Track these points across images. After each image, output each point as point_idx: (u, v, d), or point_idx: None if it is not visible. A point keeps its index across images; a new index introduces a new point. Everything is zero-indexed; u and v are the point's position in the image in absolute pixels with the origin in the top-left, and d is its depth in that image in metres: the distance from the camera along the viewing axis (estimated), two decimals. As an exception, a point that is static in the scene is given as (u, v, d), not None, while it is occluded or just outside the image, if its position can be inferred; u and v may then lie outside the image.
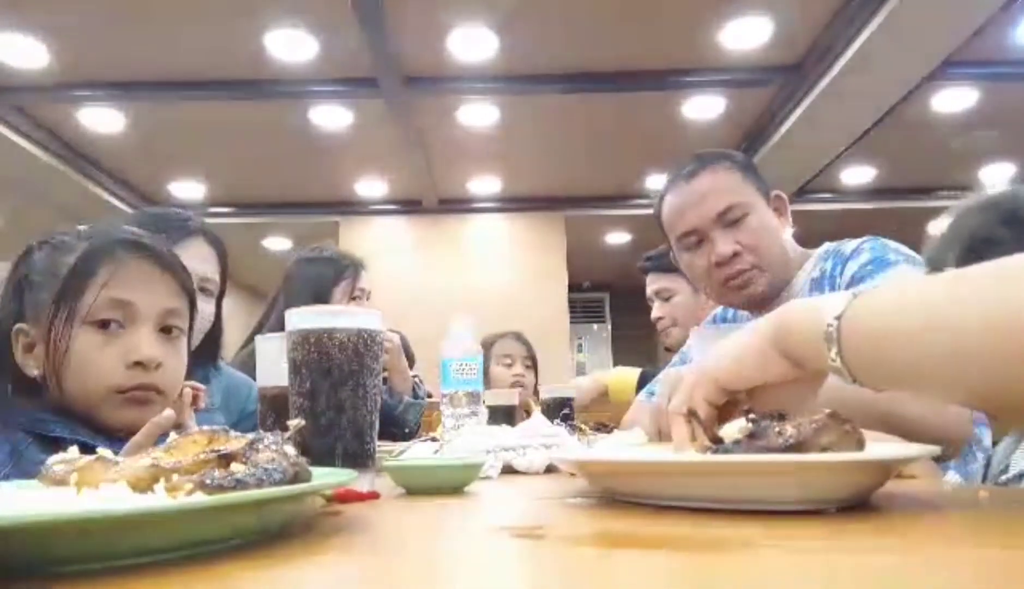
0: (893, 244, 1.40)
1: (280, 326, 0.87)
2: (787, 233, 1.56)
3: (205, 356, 1.62)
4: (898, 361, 0.57)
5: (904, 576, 0.40)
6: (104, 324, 1.03)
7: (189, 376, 1.56)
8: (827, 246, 1.53)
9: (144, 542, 0.44)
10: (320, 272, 2.20)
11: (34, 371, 1.05)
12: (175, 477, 0.51)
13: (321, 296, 2.12)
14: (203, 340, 1.62)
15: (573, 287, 7.18)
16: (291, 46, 4.16)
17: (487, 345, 3.03)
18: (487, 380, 2.98)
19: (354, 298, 2.20)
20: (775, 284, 1.51)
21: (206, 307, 1.60)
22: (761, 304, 1.53)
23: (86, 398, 1.03)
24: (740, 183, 1.51)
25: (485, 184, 6.44)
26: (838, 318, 0.60)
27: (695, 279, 1.62)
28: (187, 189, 6.25)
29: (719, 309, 1.78)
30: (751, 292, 1.50)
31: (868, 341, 0.59)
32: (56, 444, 0.88)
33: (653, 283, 2.61)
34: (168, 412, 0.93)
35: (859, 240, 1.45)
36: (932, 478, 0.90)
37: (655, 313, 2.61)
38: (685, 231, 1.53)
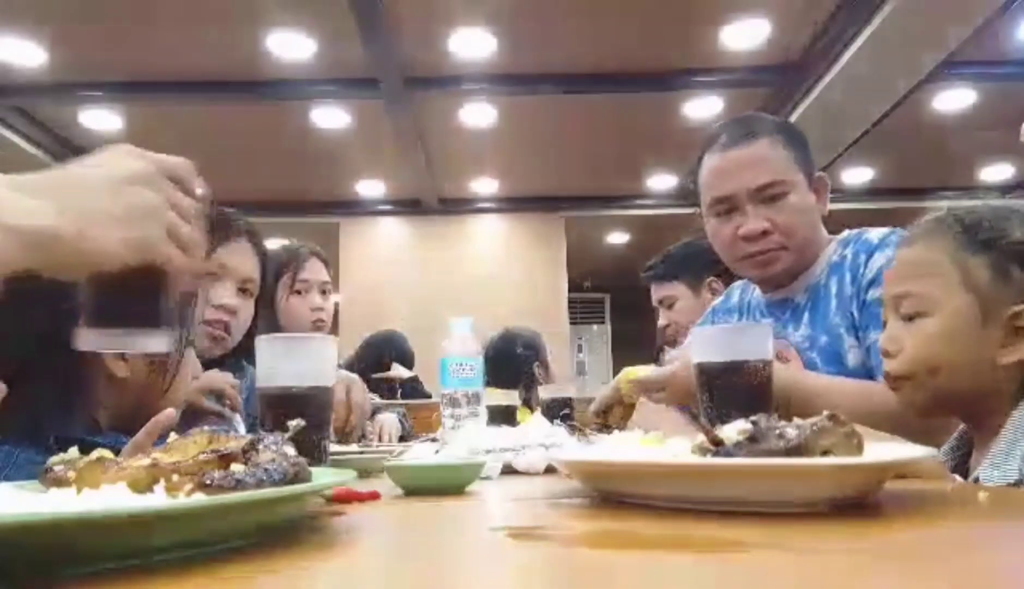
0: None
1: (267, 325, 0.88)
2: (820, 222, 1.50)
3: (241, 354, 1.63)
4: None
5: (904, 576, 0.40)
6: None
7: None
8: (848, 233, 1.49)
9: (144, 542, 0.44)
10: (266, 268, 2.18)
11: (124, 372, 1.06)
12: (175, 477, 0.52)
13: (269, 291, 2.09)
14: (242, 339, 1.62)
15: (573, 287, 7.18)
16: (291, 47, 4.17)
17: (541, 341, 3.09)
18: (548, 373, 3.00)
19: (296, 291, 2.13)
20: (797, 266, 1.46)
21: (246, 308, 1.61)
22: (777, 283, 1.50)
23: None
24: (786, 160, 1.43)
25: (485, 184, 6.44)
26: None
27: (716, 246, 1.54)
28: (187, 190, 6.25)
29: (719, 299, 1.76)
30: (771, 271, 1.46)
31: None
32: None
33: (656, 292, 2.65)
34: (169, 411, 0.93)
35: (885, 231, 1.42)
36: (940, 479, 0.89)
37: (661, 321, 2.64)
38: (718, 196, 1.46)
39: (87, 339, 0.68)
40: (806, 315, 1.45)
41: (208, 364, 1.30)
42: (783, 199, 1.42)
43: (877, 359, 1.26)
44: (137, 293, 0.66)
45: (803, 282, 1.48)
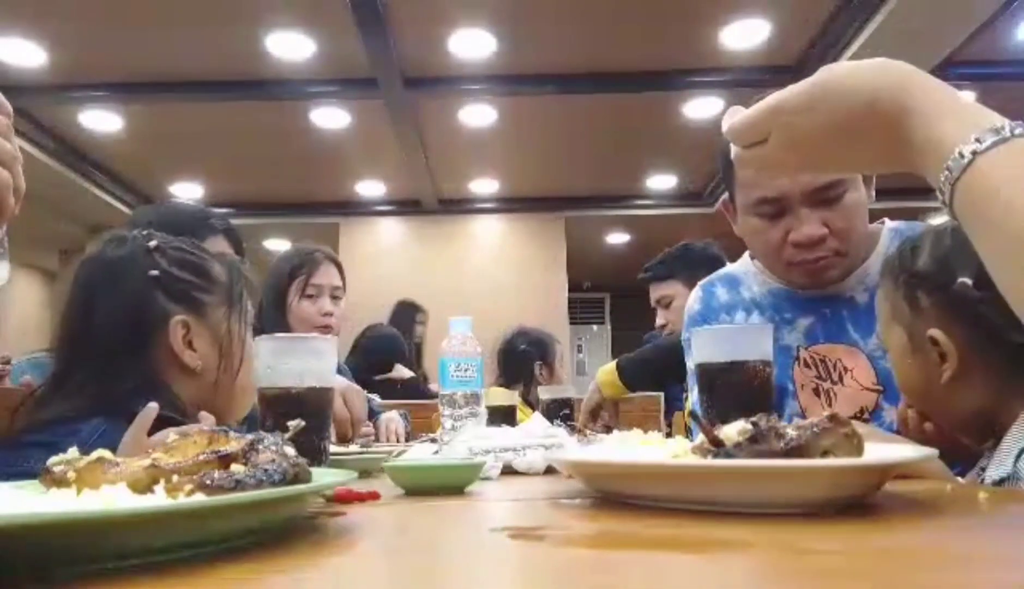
0: None
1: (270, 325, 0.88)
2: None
3: None
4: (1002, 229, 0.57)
5: (904, 576, 0.40)
6: None
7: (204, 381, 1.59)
8: (897, 224, 1.39)
9: (144, 542, 0.44)
10: (279, 268, 2.17)
11: (196, 362, 1.10)
12: (175, 478, 0.52)
13: (280, 294, 2.09)
14: None
15: (573, 287, 7.18)
16: (291, 47, 4.17)
17: (550, 342, 3.08)
18: (552, 376, 3.00)
19: (308, 296, 2.12)
20: (848, 269, 1.34)
21: None
22: (823, 287, 1.36)
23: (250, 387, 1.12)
24: None
25: (485, 185, 6.44)
26: (975, 154, 0.58)
27: (755, 247, 1.39)
28: (187, 190, 6.26)
29: (695, 307, 1.56)
30: (824, 278, 1.33)
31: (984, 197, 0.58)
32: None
33: (654, 292, 2.68)
34: (151, 404, 0.93)
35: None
36: (943, 480, 0.89)
37: (659, 321, 2.65)
38: (766, 197, 1.28)
39: None
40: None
41: None
42: (842, 199, 1.25)
43: None
44: None
45: (860, 282, 1.35)
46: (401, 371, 3.81)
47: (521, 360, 2.99)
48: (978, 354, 0.96)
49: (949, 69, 4.28)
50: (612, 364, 2.37)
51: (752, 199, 1.31)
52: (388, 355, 3.76)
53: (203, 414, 0.98)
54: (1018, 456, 0.87)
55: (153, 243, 1.14)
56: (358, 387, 1.67)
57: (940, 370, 0.98)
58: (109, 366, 1.06)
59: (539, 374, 3.00)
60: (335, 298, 2.18)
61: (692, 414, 1.53)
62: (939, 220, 1.09)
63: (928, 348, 0.99)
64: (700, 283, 1.59)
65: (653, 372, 2.36)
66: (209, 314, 1.14)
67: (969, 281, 0.93)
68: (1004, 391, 0.95)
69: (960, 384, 0.97)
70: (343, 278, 2.23)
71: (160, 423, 0.91)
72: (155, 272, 1.11)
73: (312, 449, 0.90)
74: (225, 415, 1.12)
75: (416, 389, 3.79)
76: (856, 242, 1.30)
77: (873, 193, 1.33)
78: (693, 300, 1.57)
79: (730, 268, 1.55)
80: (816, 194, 1.25)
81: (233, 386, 1.14)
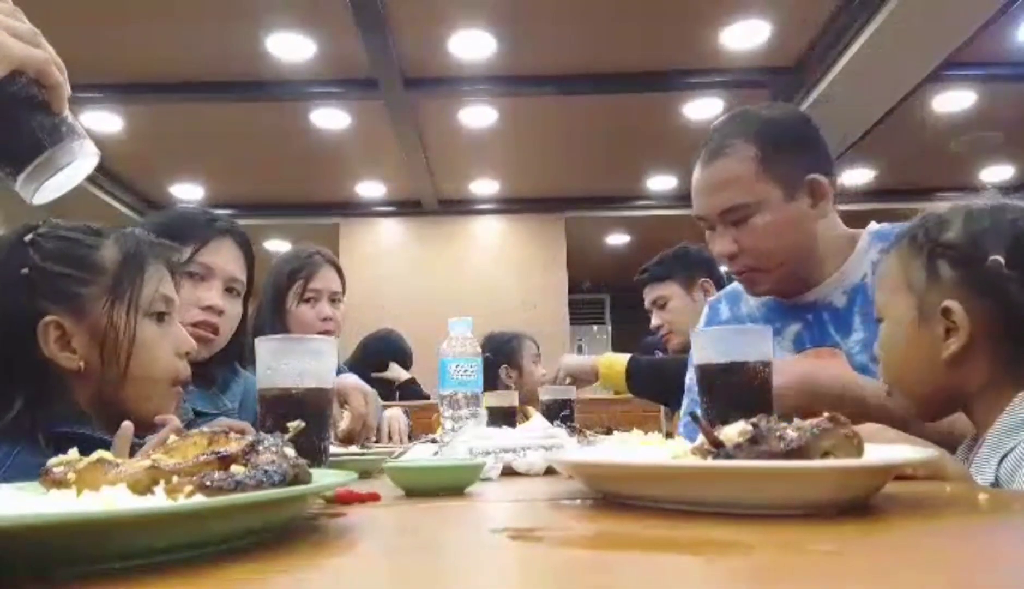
0: None
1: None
2: (825, 218, 1.39)
3: (231, 356, 1.61)
4: None
5: (904, 576, 0.40)
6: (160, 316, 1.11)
7: (215, 377, 1.58)
8: (879, 226, 1.43)
9: (144, 543, 0.44)
10: (278, 271, 2.14)
11: (76, 363, 1.02)
12: (175, 479, 0.52)
13: (279, 297, 2.08)
14: (233, 340, 1.59)
15: (573, 288, 7.18)
16: (291, 48, 4.17)
17: (517, 343, 3.08)
18: (522, 376, 3.00)
19: (306, 300, 2.09)
20: (799, 276, 1.40)
21: (234, 308, 1.58)
22: (784, 294, 1.44)
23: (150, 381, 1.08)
24: (752, 177, 1.33)
25: (485, 185, 6.44)
26: None
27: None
28: (187, 191, 6.26)
29: (703, 319, 1.67)
30: (758, 290, 1.43)
31: None
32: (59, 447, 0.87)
33: (649, 294, 2.67)
34: (125, 423, 0.91)
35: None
36: (965, 481, 0.89)
37: (654, 322, 2.64)
38: (697, 215, 1.43)
39: (26, 191, 0.71)
40: (856, 319, 1.37)
41: (197, 366, 1.28)
42: (748, 222, 1.35)
43: None
44: (23, 115, 0.70)
45: (839, 286, 1.40)
46: (397, 371, 3.81)
47: (484, 369, 2.99)
48: (989, 333, 0.95)
49: (949, 69, 4.28)
50: (622, 361, 2.30)
51: (693, 215, 1.44)
52: (382, 355, 3.76)
53: (124, 424, 0.92)
54: (999, 462, 0.87)
55: (28, 237, 1.06)
56: (373, 391, 1.67)
57: (944, 344, 0.97)
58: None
59: (505, 377, 3.01)
60: (334, 302, 2.16)
61: (692, 415, 1.53)
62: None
63: (936, 320, 0.98)
64: (708, 301, 1.69)
65: (662, 388, 2.31)
66: (88, 308, 1.04)
67: (1002, 259, 0.93)
68: (996, 377, 0.95)
69: (958, 362, 0.96)
70: (343, 281, 2.21)
71: (66, 442, 0.80)
72: (25, 270, 1.02)
73: (312, 450, 0.89)
74: (139, 410, 1.04)
75: (412, 391, 3.79)
76: (781, 258, 1.36)
77: (827, 205, 1.37)
78: (701, 318, 1.66)
79: (735, 284, 1.59)
80: (724, 216, 1.37)
81: (127, 380, 1.05)
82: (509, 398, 1.79)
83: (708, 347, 1.05)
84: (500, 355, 3.04)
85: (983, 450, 0.92)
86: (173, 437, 0.62)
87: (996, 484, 0.86)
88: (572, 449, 1.10)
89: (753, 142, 1.35)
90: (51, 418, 0.98)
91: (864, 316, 1.36)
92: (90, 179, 5.93)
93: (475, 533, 0.63)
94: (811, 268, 1.40)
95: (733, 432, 0.66)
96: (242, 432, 0.63)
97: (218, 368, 1.59)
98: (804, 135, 1.42)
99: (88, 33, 3.94)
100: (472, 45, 4.22)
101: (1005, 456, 0.87)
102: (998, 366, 0.95)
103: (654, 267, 2.65)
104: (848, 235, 1.43)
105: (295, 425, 0.67)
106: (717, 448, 0.65)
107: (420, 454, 1.22)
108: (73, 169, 0.75)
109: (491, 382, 2.94)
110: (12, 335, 1.01)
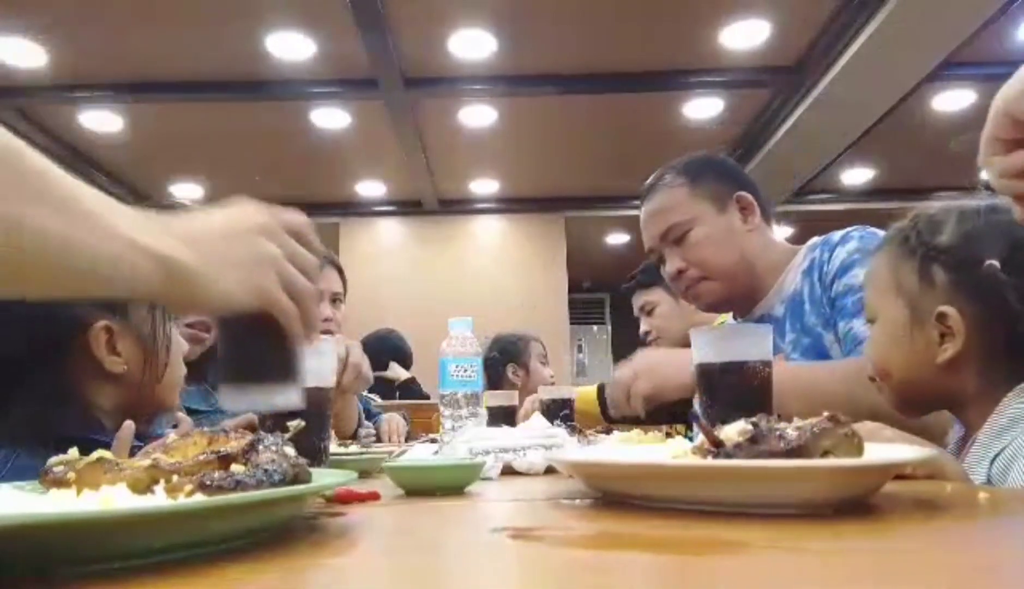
0: (882, 233, 1.38)
1: None
2: (759, 234, 1.55)
3: None
4: None
5: (904, 576, 0.40)
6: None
7: (206, 374, 1.62)
8: (816, 238, 1.54)
9: (144, 542, 0.44)
10: None
11: (120, 367, 1.05)
12: (175, 478, 0.52)
13: None
14: None
15: (573, 288, 7.17)
16: (291, 48, 4.16)
17: (524, 344, 3.08)
18: (529, 376, 2.99)
19: None
20: (740, 288, 1.55)
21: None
22: (731, 308, 1.62)
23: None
24: (685, 199, 1.55)
25: (485, 185, 6.43)
26: None
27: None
28: (187, 190, 6.25)
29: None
30: (705, 302, 1.58)
31: None
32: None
33: (636, 300, 2.66)
34: (127, 423, 0.92)
35: (848, 229, 1.47)
36: (963, 481, 0.89)
37: (642, 328, 2.63)
38: (647, 249, 1.64)
39: (226, 397, 0.70)
40: (787, 323, 1.50)
41: (189, 364, 1.31)
42: (687, 237, 1.54)
43: (848, 347, 1.35)
44: (264, 349, 0.68)
45: (777, 296, 1.54)
46: (397, 371, 3.80)
47: (491, 368, 2.99)
48: (985, 338, 0.94)
49: (949, 69, 4.28)
50: (593, 392, 2.07)
51: (646, 250, 1.64)
52: (382, 354, 3.75)
53: (127, 424, 0.93)
54: (991, 462, 0.87)
55: None
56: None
57: (939, 349, 0.96)
58: (16, 385, 1.00)
59: (511, 376, 3.01)
60: (335, 303, 2.15)
61: (692, 415, 1.55)
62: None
63: (931, 325, 0.97)
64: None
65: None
66: (132, 313, 1.08)
67: (997, 263, 0.92)
68: (990, 380, 0.94)
69: (953, 366, 0.96)
70: (344, 282, 2.21)
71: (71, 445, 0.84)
72: None
73: (312, 449, 0.90)
74: (152, 415, 1.11)
75: (412, 390, 3.78)
76: (725, 267, 1.53)
77: (755, 219, 1.55)
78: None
79: None
80: (664, 239, 1.57)
81: (158, 386, 1.10)
82: (509, 397, 1.79)
83: (708, 347, 1.05)
84: (507, 355, 3.04)
85: (974, 450, 0.91)
86: (173, 436, 0.62)
87: (988, 483, 0.86)
88: (572, 449, 1.10)
89: (682, 173, 1.59)
90: (62, 421, 0.99)
91: (793, 320, 1.49)
92: (90, 178, 5.92)
93: (475, 533, 0.63)
94: (754, 283, 1.55)
95: (733, 432, 0.66)
96: (251, 428, 0.63)
97: (209, 365, 1.60)
98: (726, 164, 1.66)
99: (88, 33, 3.94)
100: (472, 45, 4.22)
101: (996, 456, 0.87)
102: (992, 369, 0.95)
103: (641, 274, 2.64)
104: (787, 251, 1.58)
105: (295, 425, 0.67)
106: (717, 448, 0.65)
107: (420, 454, 1.22)
108: (281, 403, 0.73)
109: (497, 382, 2.94)
110: (53, 339, 1.03)
